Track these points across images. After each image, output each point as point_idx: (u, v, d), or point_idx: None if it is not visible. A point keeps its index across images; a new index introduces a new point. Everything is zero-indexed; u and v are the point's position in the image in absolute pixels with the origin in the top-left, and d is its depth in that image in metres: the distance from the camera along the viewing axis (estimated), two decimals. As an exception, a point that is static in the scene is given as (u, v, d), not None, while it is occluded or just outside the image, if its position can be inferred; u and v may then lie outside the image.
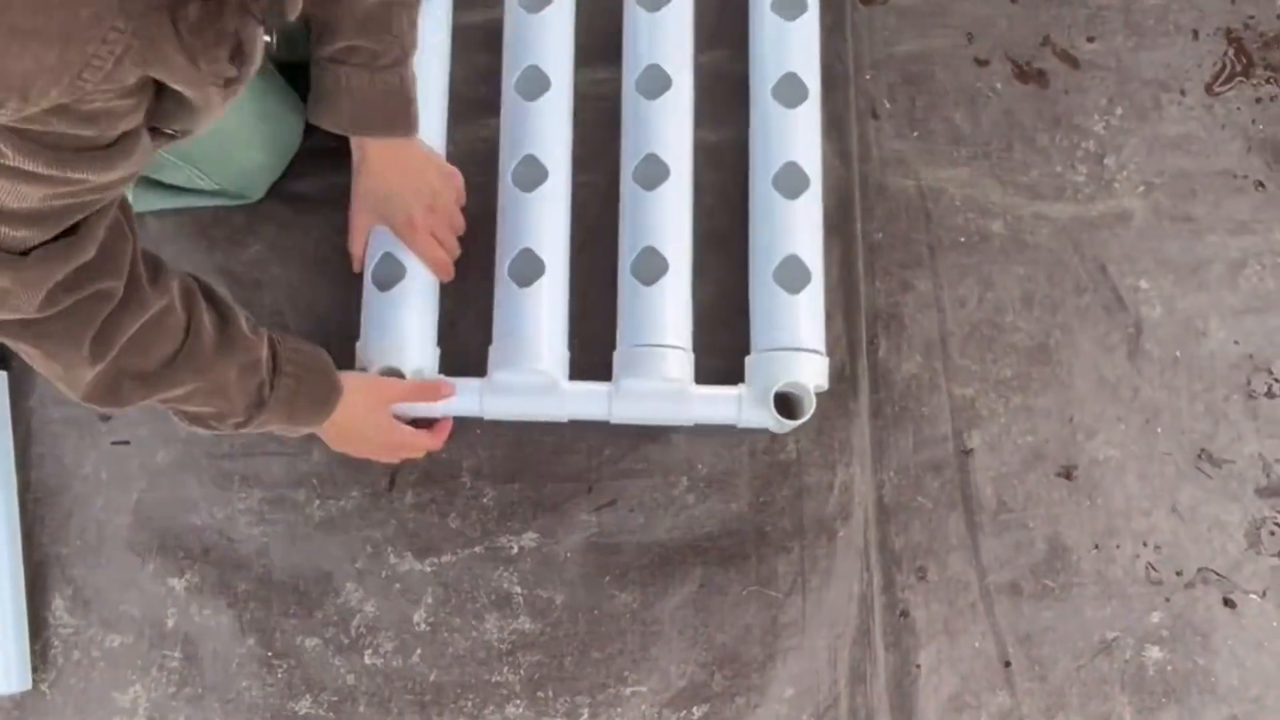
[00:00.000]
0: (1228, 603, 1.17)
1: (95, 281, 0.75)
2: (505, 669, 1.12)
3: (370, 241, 1.14)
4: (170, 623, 1.12)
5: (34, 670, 1.10)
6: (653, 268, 1.13)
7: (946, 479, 1.18)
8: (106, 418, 1.16)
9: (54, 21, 0.53)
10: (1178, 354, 1.23)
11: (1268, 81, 1.31)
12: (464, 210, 1.17)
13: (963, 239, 1.25)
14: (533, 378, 1.10)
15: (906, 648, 1.14)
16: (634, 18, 1.22)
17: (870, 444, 1.18)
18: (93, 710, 1.10)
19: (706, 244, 1.18)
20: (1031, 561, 1.16)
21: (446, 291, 1.17)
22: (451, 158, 1.19)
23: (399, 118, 1.06)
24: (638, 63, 1.20)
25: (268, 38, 0.70)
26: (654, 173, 1.16)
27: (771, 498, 1.16)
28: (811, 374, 1.11)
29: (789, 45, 1.21)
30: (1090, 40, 1.31)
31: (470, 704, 1.11)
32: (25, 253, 0.68)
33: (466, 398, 1.12)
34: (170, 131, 0.69)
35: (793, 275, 1.14)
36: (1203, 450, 1.20)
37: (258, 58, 0.66)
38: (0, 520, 1.11)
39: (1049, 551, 1.17)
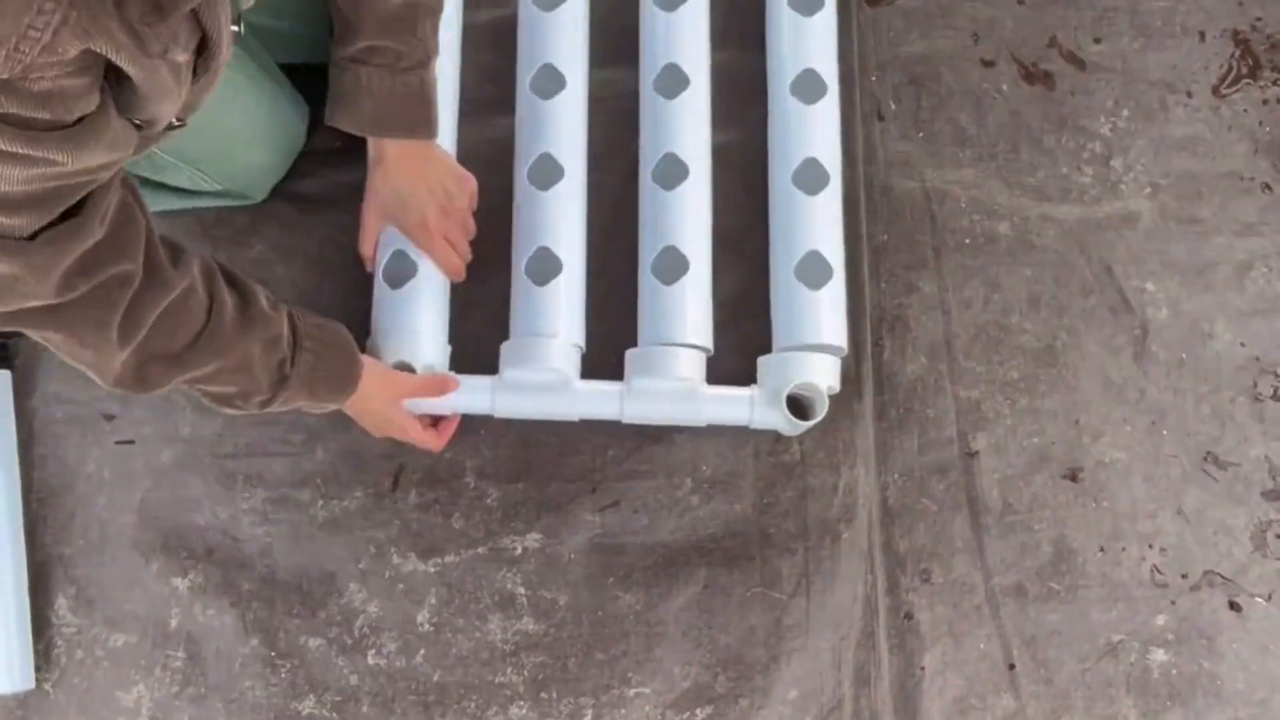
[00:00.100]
0: (1233, 606, 1.16)
1: (110, 265, 0.76)
2: (509, 670, 1.11)
3: (381, 239, 1.14)
4: (174, 622, 1.12)
5: (37, 670, 1.10)
6: (673, 267, 1.14)
7: (951, 481, 1.18)
8: (110, 417, 1.16)
9: None
10: (1184, 356, 1.22)
11: (1274, 83, 1.31)
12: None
13: (968, 241, 1.24)
14: (546, 376, 1.10)
15: (911, 650, 1.14)
16: (651, 17, 1.22)
17: (875, 446, 1.18)
18: (96, 710, 1.10)
19: (718, 244, 1.18)
20: (1037, 564, 1.16)
21: (456, 289, 1.17)
22: (459, 157, 1.19)
23: (420, 121, 1.06)
24: (655, 62, 1.20)
25: (235, 27, 0.71)
26: (673, 172, 1.16)
27: (776, 499, 1.15)
28: (824, 375, 1.11)
29: (807, 41, 1.21)
30: (1097, 41, 1.31)
31: (474, 705, 1.11)
32: (32, 238, 0.69)
33: (477, 395, 1.11)
34: (162, 123, 0.68)
35: (814, 271, 1.14)
36: (1209, 453, 1.20)
37: (223, 46, 0.67)
38: (3, 520, 1.11)
39: (1054, 554, 1.16)
